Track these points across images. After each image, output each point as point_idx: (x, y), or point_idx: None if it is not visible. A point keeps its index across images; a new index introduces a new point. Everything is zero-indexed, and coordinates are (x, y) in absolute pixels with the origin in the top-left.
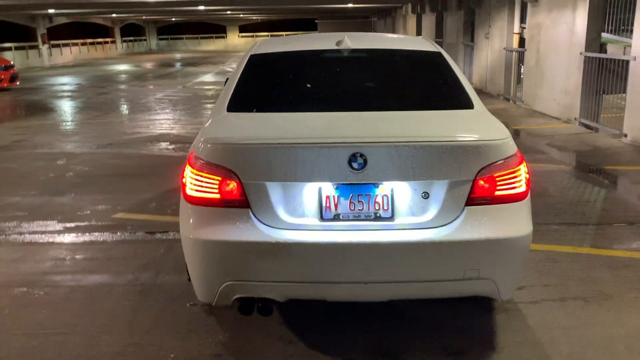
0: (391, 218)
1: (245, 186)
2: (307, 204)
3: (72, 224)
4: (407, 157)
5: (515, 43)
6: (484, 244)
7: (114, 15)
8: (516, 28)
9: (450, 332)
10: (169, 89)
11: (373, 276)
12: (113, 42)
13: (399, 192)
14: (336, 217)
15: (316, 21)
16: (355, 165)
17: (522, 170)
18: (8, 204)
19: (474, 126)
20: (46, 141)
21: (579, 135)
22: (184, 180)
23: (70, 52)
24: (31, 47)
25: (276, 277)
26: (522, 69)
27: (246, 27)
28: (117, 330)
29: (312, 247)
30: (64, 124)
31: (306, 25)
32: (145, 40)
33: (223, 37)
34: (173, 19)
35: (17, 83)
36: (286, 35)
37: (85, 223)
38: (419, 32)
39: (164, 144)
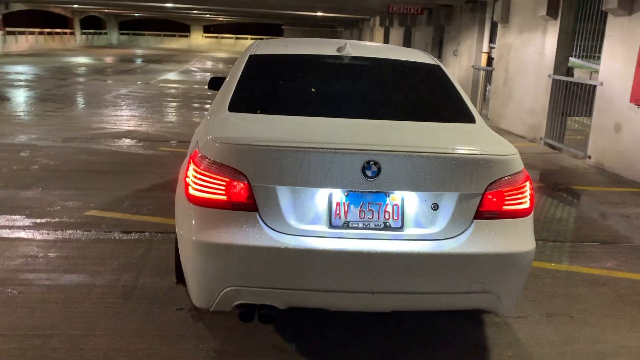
0: (401, 228)
1: (254, 189)
2: (317, 210)
3: (42, 220)
4: (420, 167)
5: (483, 62)
6: (492, 257)
7: (75, 5)
8: (485, 47)
9: (441, 344)
10: (133, 86)
11: (380, 286)
12: (72, 33)
13: (409, 202)
14: (345, 225)
15: (282, 27)
16: (368, 173)
17: (528, 187)
18: None
19: (483, 140)
20: (6, 131)
21: (545, 155)
22: (186, 179)
23: (26, 41)
24: None
25: (281, 284)
26: (487, 88)
27: (210, 28)
28: (101, 333)
29: (320, 255)
30: (23, 114)
31: (272, 30)
32: (105, 34)
33: (186, 36)
34: (136, 14)
35: None
36: (251, 39)
37: (56, 219)
38: None
39: (132, 141)
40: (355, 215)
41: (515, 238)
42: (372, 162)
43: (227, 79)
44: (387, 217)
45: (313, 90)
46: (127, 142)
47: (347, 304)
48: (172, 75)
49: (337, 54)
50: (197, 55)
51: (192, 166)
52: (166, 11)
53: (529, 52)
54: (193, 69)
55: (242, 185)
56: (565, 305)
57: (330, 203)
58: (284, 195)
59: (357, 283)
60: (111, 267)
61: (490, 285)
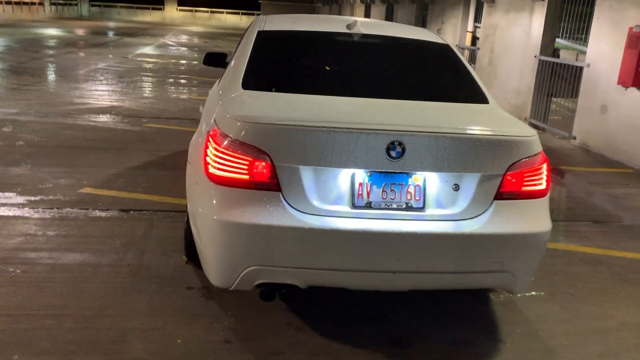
0: (422, 208)
1: (277, 168)
2: (340, 190)
3: (36, 197)
4: (444, 148)
5: (467, 41)
6: (511, 238)
7: None
8: (470, 26)
9: (453, 323)
10: (110, 60)
11: (403, 266)
12: (41, 4)
13: (430, 183)
14: (368, 205)
15: (259, 1)
16: (393, 153)
17: (545, 168)
18: None
19: (501, 122)
20: None
21: None
22: (206, 158)
23: None
24: None
25: (303, 264)
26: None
27: (185, 0)
28: (113, 313)
29: (343, 235)
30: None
31: (247, 4)
32: (76, 5)
33: (160, 9)
34: None
35: None
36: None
37: (51, 197)
38: None
39: (117, 117)
40: (377, 195)
41: (533, 218)
42: (397, 143)
43: (235, 54)
44: (409, 197)
45: (327, 68)
46: (112, 117)
47: (367, 283)
48: (149, 50)
49: (347, 31)
50: (172, 29)
51: (211, 144)
52: None
53: (516, 32)
54: (169, 42)
55: (264, 164)
56: (566, 284)
57: (352, 183)
58: (307, 175)
59: (379, 263)
60: (114, 245)
61: (508, 264)
